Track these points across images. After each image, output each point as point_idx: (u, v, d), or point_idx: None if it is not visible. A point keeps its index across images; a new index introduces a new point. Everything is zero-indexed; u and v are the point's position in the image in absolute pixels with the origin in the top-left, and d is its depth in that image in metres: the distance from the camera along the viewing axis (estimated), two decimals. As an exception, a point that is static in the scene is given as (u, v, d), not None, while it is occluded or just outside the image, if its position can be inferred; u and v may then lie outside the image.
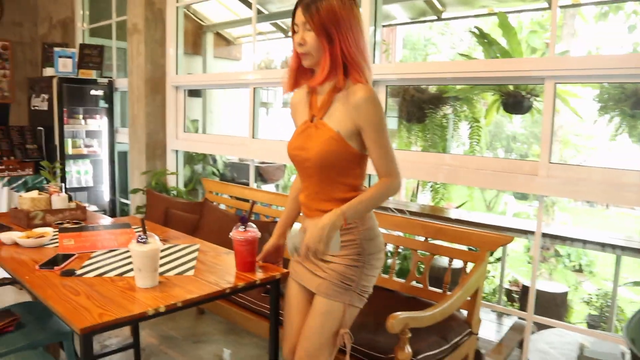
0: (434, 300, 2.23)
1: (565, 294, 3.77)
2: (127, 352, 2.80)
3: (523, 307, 3.82)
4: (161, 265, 1.89)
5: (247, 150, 3.70)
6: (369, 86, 1.58)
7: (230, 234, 1.82)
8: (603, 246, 3.66)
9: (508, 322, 3.33)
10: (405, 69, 2.80)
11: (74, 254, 1.99)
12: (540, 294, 3.64)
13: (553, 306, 3.63)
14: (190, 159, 6.19)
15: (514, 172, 2.41)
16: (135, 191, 4.10)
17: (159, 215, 3.28)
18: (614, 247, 3.56)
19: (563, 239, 4.15)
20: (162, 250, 2.09)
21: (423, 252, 2.39)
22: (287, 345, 1.80)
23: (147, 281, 1.68)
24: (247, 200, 3.35)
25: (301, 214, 1.81)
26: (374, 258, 1.67)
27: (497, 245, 2.17)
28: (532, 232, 3.46)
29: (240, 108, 3.64)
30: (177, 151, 4.31)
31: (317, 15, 1.53)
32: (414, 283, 2.40)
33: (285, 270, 1.88)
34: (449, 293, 2.18)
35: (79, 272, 1.81)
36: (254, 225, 1.87)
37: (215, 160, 6.51)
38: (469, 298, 2.14)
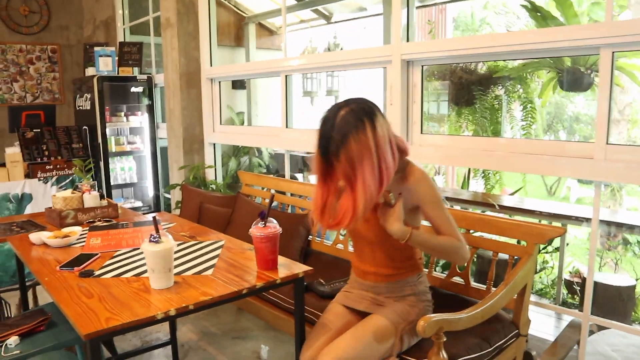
0: (477, 298, 2.04)
1: (633, 287, 3.42)
2: (165, 348, 2.79)
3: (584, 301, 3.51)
4: (180, 265, 1.82)
5: (281, 140, 3.59)
6: (420, 168, 1.68)
7: (250, 230, 1.72)
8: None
9: (569, 318, 3.05)
10: (440, 46, 2.55)
11: (96, 254, 1.96)
12: (603, 288, 3.33)
13: (618, 301, 3.30)
14: (237, 151, 6.16)
15: (565, 156, 2.15)
16: (172, 187, 4.10)
17: (193, 209, 3.24)
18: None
19: (631, 227, 3.78)
20: (184, 248, 2.03)
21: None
22: (308, 354, 1.70)
23: (160, 282, 1.61)
24: (283, 193, 3.25)
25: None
26: (427, 304, 1.81)
27: (546, 238, 1.95)
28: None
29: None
30: (214, 144, 4.27)
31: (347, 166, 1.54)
32: (455, 279, 2.21)
33: (309, 268, 1.76)
34: (494, 289, 1.98)
35: (97, 272, 1.77)
36: (275, 221, 1.77)
37: (260, 152, 6.47)
38: (515, 296, 1.94)
